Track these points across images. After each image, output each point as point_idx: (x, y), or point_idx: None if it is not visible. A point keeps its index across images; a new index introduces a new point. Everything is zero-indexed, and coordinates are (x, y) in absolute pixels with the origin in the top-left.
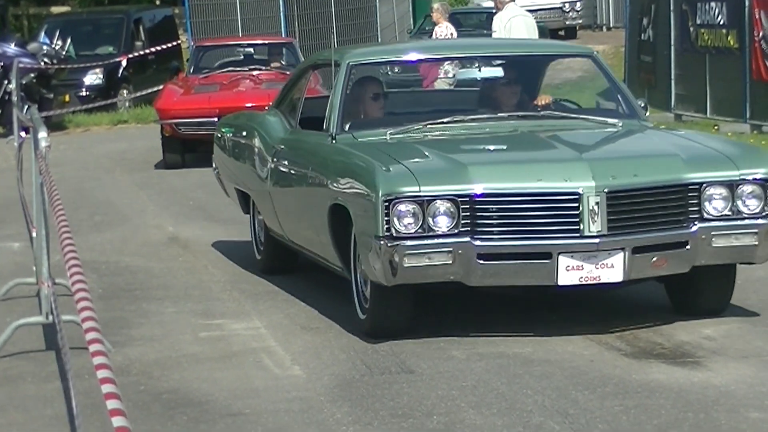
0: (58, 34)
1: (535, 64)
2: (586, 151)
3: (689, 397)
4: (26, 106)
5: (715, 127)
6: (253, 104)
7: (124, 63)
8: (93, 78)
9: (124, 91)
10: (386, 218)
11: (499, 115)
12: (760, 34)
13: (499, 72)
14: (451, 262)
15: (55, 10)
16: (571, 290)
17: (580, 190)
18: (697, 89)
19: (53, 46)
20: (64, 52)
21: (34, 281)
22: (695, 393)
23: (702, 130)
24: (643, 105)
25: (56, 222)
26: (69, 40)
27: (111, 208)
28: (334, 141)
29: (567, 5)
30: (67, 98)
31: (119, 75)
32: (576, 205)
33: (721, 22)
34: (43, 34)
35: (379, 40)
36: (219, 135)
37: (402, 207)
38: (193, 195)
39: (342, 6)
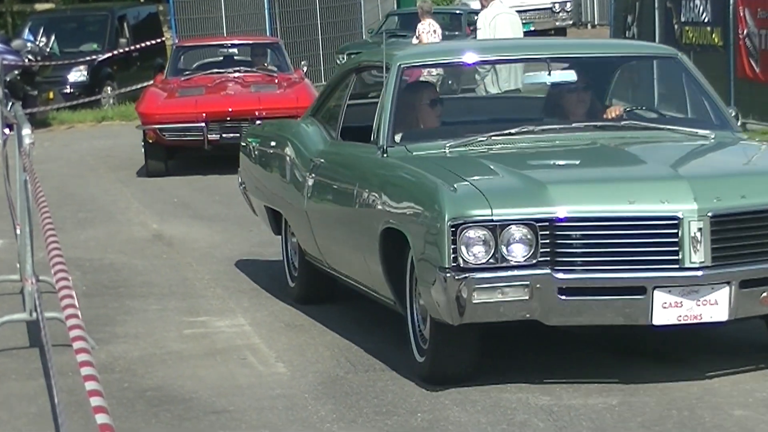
0: (42, 31)
1: (610, 67)
2: (682, 167)
3: (673, 395)
4: (10, 103)
5: None
6: (243, 108)
7: (108, 55)
8: (77, 75)
9: (109, 88)
10: (453, 246)
11: (574, 125)
12: (745, 31)
13: (571, 76)
14: (527, 297)
15: (39, 7)
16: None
17: (679, 214)
18: None
19: (37, 43)
20: (48, 49)
21: (18, 278)
22: (679, 390)
23: None
24: (734, 114)
25: (41, 219)
26: (53, 37)
27: (95, 205)
28: (385, 155)
29: (557, 6)
30: (51, 95)
31: (103, 72)
32: (675, 231)
33: (706, 20)
34: (27, 31)
35: (364, 37)
36: (245, 145)
37: (471, 233)
38: (178, 192)
39: (326, 3)
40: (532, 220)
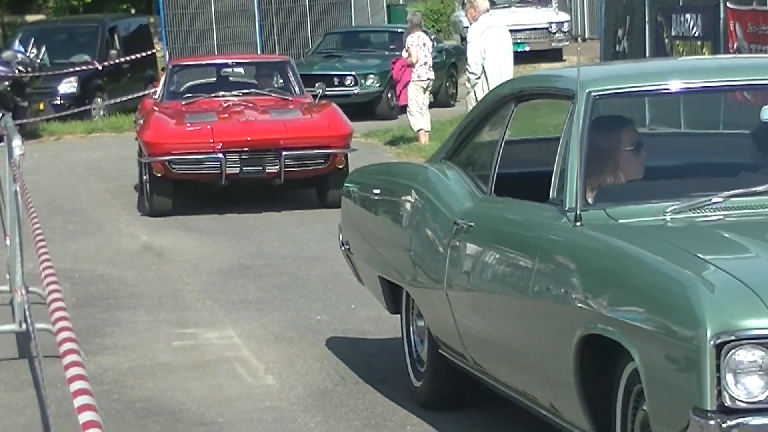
0: (32, 42)
1: None
2: None
3: None
4: (0, 114)
5: None
6: (267, 137)
7: (98, 66)
8: (67, 86)
9: (99, 100)
10: (717, 375)
11: None
12: (735, 46)
13: None
14: None
15: (30, 18)
16: None
17: None
18: None
19: (28, 54)
20: (38, 61)
21: (7, 289)
22: None
23: None
24: None
25: (31, 230)
26: (44, 49)
27: (84, 217)
28: (578, 223)
29: (554, 26)
30: (41, 106)
31: (93, 83)
32: None
33: (696, 34)
34: (17, 42)
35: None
36: (348, 193)
37: (743, 356)
38: None
39: (317, 15)
40: None
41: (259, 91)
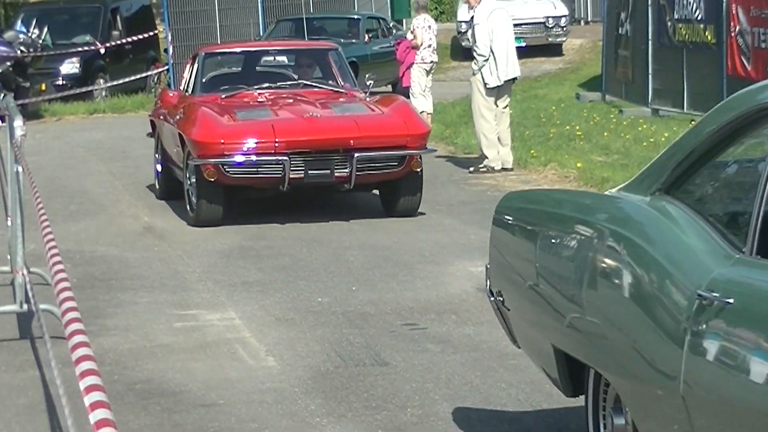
0: (34, 22)
1: None
2: None
3: None
4: (2, 95)
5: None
6: (336, 137)
7: (101, 47)
8: (69, 67)
9: (101, 81)
10: None
11: None
12: (737, 29)
13: None
14: None
15: None
16: None
17: None
18: (674, 84)
19: (30, 34)
20: (40, 41)
21: (8, 270)
22: None
23: (679, 126)
24: None
25: (36, 211)
26: (46, 29)
27: (86, 198)
28: None
29: (550, 20)
30: (43, 87)
31: (96, 64)
32: None
33: (699, 17)
34: (19, 22)
35: None
36: (506, 225)
37: None
38: None
39: None
40: None
41: (312, 83)
